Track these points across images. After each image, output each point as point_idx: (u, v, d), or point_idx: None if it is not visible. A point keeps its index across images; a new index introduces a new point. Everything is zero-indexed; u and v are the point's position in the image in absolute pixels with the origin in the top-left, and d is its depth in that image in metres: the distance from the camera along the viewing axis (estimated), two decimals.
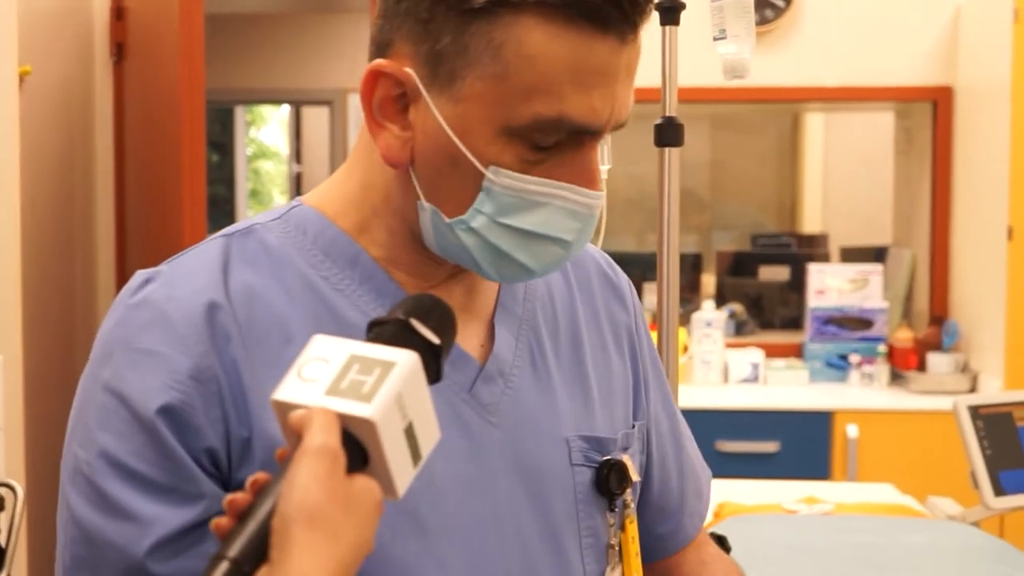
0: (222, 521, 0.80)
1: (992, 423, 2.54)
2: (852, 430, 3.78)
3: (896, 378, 4.16)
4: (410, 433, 0.83)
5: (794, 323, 4.82)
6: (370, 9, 5.50)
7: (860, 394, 4.04)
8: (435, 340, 0.88)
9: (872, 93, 4.28)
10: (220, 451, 0.94)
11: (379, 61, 0.97)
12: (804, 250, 5.48)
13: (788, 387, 4.12)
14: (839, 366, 4.20)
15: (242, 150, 9.83)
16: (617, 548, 1.12)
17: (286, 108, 10.59)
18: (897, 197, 4.81)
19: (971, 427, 2.51)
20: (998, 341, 3.80)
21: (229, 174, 9.62)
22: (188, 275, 0.99)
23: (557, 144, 0.95)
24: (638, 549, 1.14)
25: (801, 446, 3.83)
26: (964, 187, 4.15)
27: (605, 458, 1.09)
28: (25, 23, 3.21)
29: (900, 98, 4.35)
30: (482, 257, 0.98)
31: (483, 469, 1.02)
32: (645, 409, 1.19)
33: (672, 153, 1.66)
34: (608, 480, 1.09)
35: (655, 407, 1.21)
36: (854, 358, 4.16)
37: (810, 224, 6.27)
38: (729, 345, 4.26)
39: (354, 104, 8.04)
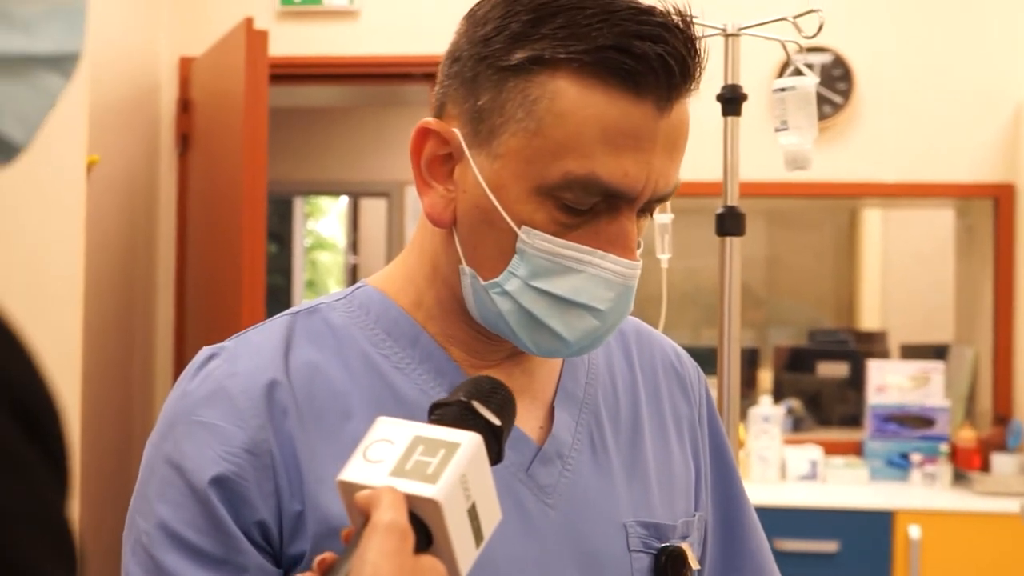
0: None
1: None
2: (914, 530, 3.69)
3: (959, 478, 4.07)
4: (473, 514, 0.84)
5: (853, 420, 4.74)
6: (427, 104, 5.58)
7: (922, 494, 3.95)
8: (496, 422, 0.88)
9: (932, 190, 4.26)
10: (272, 525, 0.95)
11: (427, 119, 1.00)
12: (862, 347, 5.42)
13: (847, 485, 4.05)
14: (900, 465, 4.12)
15: (300, 241, 9.95)
16: None
17: (344, 200, 10.73)
18: (958, 294, 4.75)
19: None
20: None
21: (287, 264, 9.73)
22: (250, 352, 1.01)
23: (593, 210, 0.95)
24: None
25: (861, 546, 3.75)
26: None
27: (663, 545, 1.08)
28: (95, 113, 3.28)
29: (960, 195, 4.33)
30: (517, 324, 0.98)
31: (540, 551, 1.01)
32: (705, 502, 1.18)
33: (733, 243, 1.66)
34: (667, 567, 1.07)
35: (706, 498, 1.19)
36: (915, 457, 4.08)
37: (868, 320, 6.22)
38: (787, 441, 4.20)
39: (411, 196, 8.14)
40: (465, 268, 1.00)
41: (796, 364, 5.14)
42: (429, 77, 4.33)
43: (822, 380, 4.98)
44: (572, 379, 1.10)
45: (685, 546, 1.09)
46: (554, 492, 1.04)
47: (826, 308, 6.35)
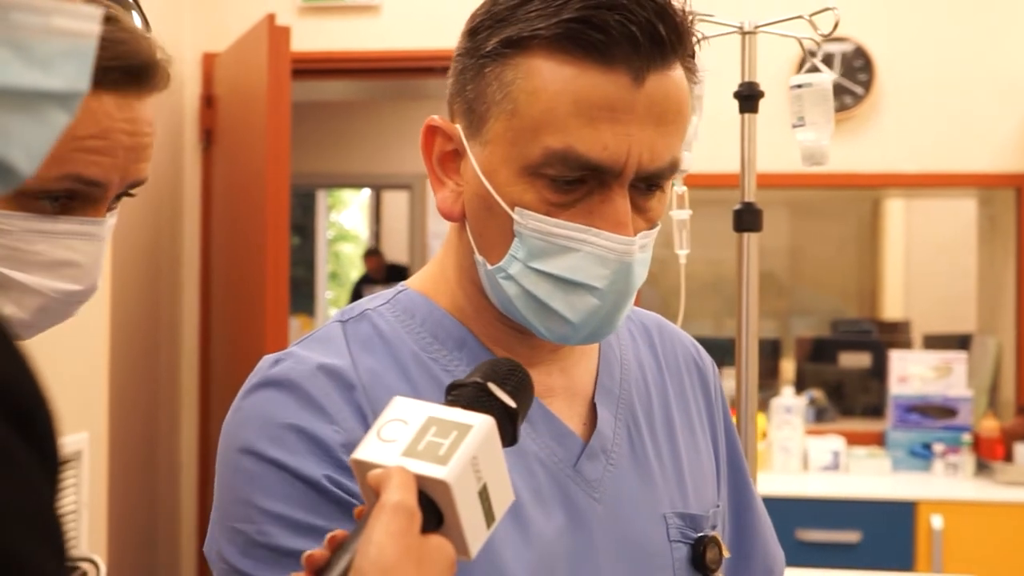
0: None
1: None
2: (937, 521, 3.69)
3: (982, 468, 4.07)
4: (484, 495, 0.85)
5: (875, 410, 4.75)
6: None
7: (944, 484, 3.95)
8: (511, 404, 0.89)
9: (953, 179, 4.25)
10: None
11: (432, 117, 1.03)
12: (885, 337, 5.41)
13: (870, 476, 4.05)
14: (922, 455, 4.12)
15: (323, 233, 10.00)
16: None
17: (366, 192, 10.77)
18: (981, 284, 4.74)
19: None
20: None
21: (310, 256, 9.78)
22: (321, 356, 1.02)
23: (582, 188, 0.96)
24: None
25: (884, 536, 3.75)
26: None
27: (699, 534, 1.11)
28: None
29: (982, 184, 4.32)
30: (525, 308, 1.00)
31: (588, 544, 1.04)
32: (724, 493, 1.21)
33: (751, 238, 1.67)
34: (705, 556, 1.10)
35: (723, 489, 1.22)
36: (938, 447, 4.08)
37: (891, 310, 6.21)
38: (809, 432, 4.20)
39: None
40: (478, 258, 1.02)
41: (818, 354, 5.14)
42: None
43: (844, 370, 4.98)
44: (608, 376, 1.13)
45: (718, 535, 1.12)
46: (600, 486, 1.06)
47: (849, 298, 6.34)
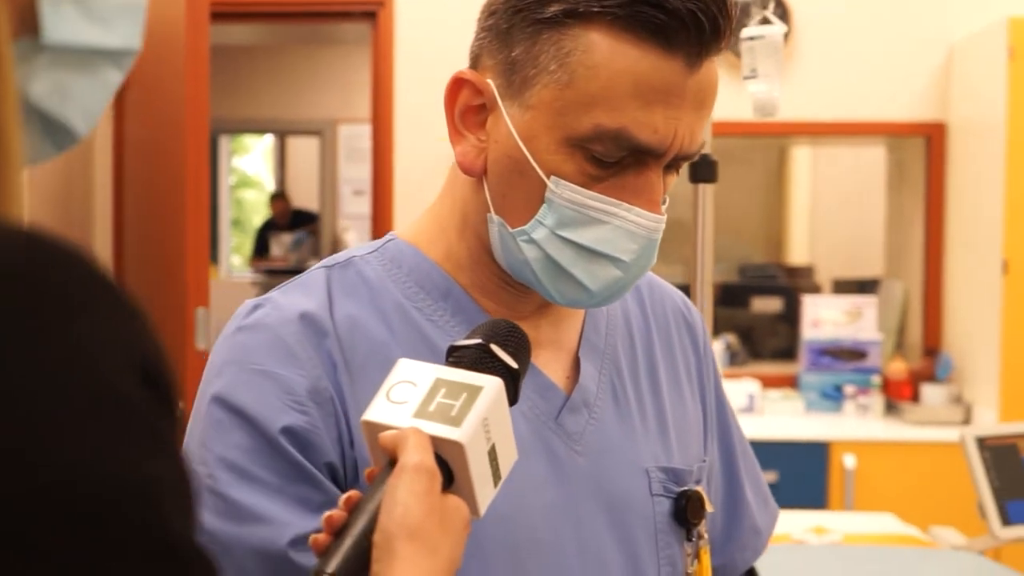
0: (319, 537, 0.83)
1: (998, 455, 2.58)
2: (849, 460, 3.81)
3: (890, 409, 4.21)
4: (492, 455, 0.87)
5: (785, 354, 4.86)
6: (363, 42, 5.59)
7: (856, 425, 4.08)
8: (513, 365, 0.92)
9: (866, 128, 4.35)
10: (339, 467, 0.98)
11: (462, 70, 1.03)
12: (791, 281, 5.53)
13: (784, 417, 4.16)
14: (834, 397, 4.24)
15: (225, 179, 9.84)
16: None
17: (269, 137, 10.60)
18: (889, 230, 4.87)
19: (978, 459, 2.55)
20: (992, 373, 3.85)
21: (212, 202, 9.62)
22: (299, 302, 1.02)
23: (620, 163, 0.98)
24: None
25: (799, 476, 3.86)
26: (957, 221, 4.22)
27: (682, 489, 1.12)
28: None
29: (894, 133, 4.42)
30: (542, 271, 1.01)
31: (568, 497, 1.05)
32: (712, 448, 1.22)
33: (706, 189, 1.70)
34: (686, 510, 1.12)
35: (712, 444, 1.24)
36: (849, 389, 4.21)
37: (797, 256, 6.33)
38: (724, 376, 4.28)
39: (344, 135, 8.08)
40: (493, 216, 1.02)
41: (729, 299, 5.23)
42: (367, 15, 4.30)
43: (756, 315, 5.08)
44: (594, 330, 1.14)
45: (701, 490, 1.13)
46: (581, 439, 1.07)
47: (756, 244, 6.45)
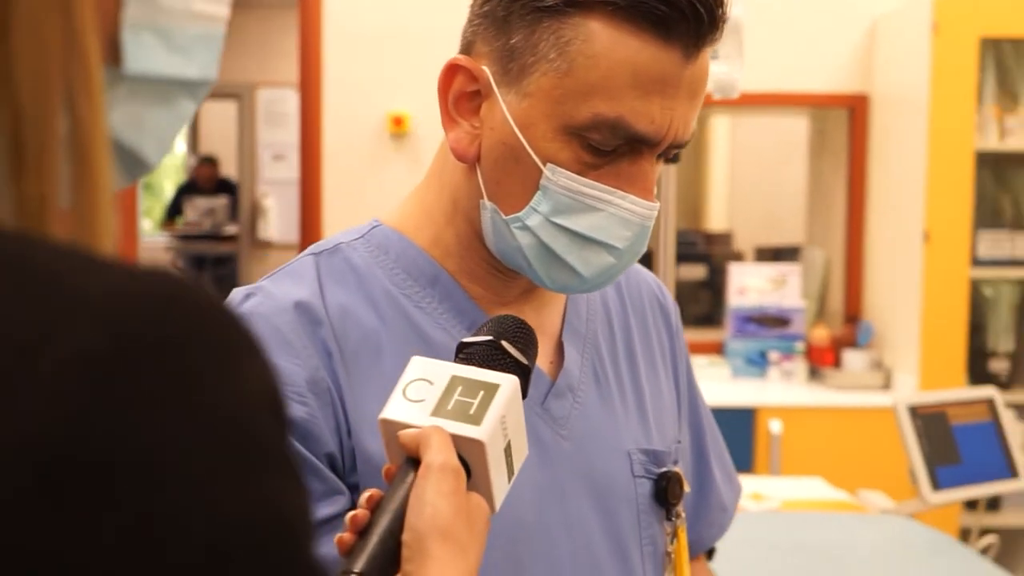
0: (344, 536, 0.83)
1: (928, 422, 2.67)
2: (775, 426, 3.90)
3: (814, 375, 4.31)
4: (508, 451, 0.89)
5: (708, 320, 4.93)
6: (282, 6, 5.49)
7: (780, 390, 4.17)
8: (525, 361, 0.93)
9: (789, 99, 4.41)
10: (337, 457, 0.98)
11: (457, 56, 1.03)
12: (711, 248, 5.61)
13: (712, 383, 4.23)
14: (759, 363, 4.33)
15: None
16: (672, 556, 1.17)
17: None
18: (811, 198, 4.96)
19: (910, 426, 2.62)
20: (912, 340, 3.96)
21: None
22: (291, 291, 1.02)
23: (615, 152, 0.99)
24: (687, 556, 1.19)
25: (726, 441, 3.93)
26: (878, 191, 4.31)
27: (662, 470, 1.15)
28: None
29: (817, 104, 4.50)
30: (535, 258, 1.02)
31: (555, 481, 1.07)
32: (684, 429, 1.25)
33: (669, 169, 1.72)
34: (667, 491, 1.14)
35: (683, 424, 1.26)
36: (773, 355, 4.29)
37: (715, 222, 6.42)
38: None
39: (263, 99, 7.97)
40: (486, 203, 1.03)
41: (651, 266, 5.28)
42: None
43: (680, 282, 5.14)
44: (575, 315, 1.15)
45: (679, 470, 1.16)
46: (567, 424, 1.09)
47: (676, 210, 6.51)
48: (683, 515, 1.18)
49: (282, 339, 0.98)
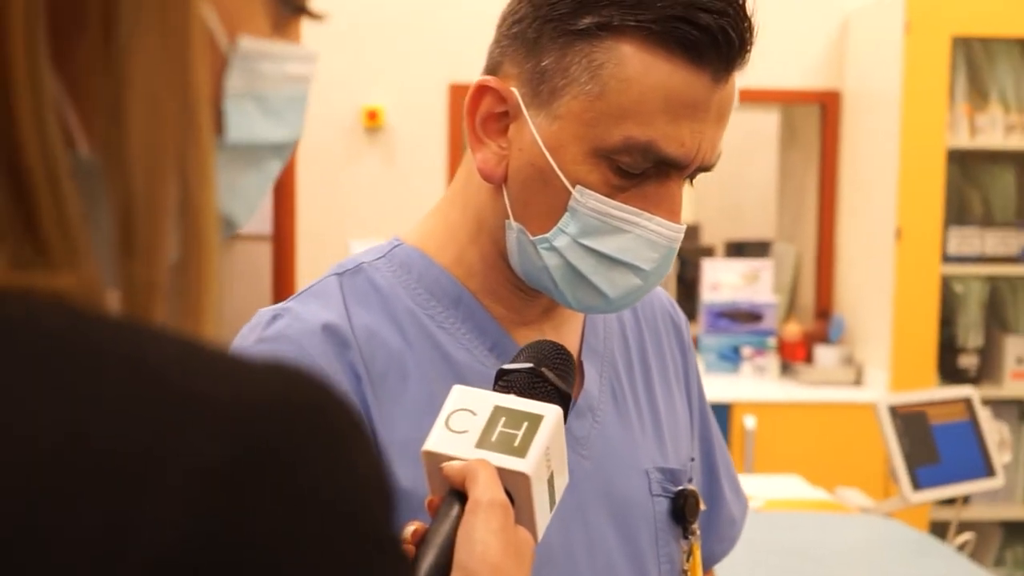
0: None
1: (908, 422, 2.69)
2: (749, 421, 3.93)
3: (786, 370, 4.34)
4: (551, 482, 0.89)
5: None
6: None
7: (753, 385, 4.20)
8: (565, 388, 0.92)
9: (761, 95, 4.43)
10: None
11: (486, 77, 1.03)
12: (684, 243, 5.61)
13: None
14: (731, 359, 4.35)
15: None
16: (687, 573, 1.18)
17: None
18: (782, 193, 4.98)
19: (891, 426, 2.65)
20: (883, 335, 4.00)
21: None
22: (318, 313, 1.01)
23: (643, 174, 0.99)
24: (701, 573, 1.20)
25: None
26: (850, 188, 4.35)
27: (679, 488, 1.15)
28: None
29: (789, 101, 4.52)
30: (561, 279, 1.02)
31: (576, 501, 1.07)
32: (695, 444, 1.25)
33: None
34: (684, 509, 1.15)
35: (695, 440, 1.27)
36: (746, 351, 4.32)
37: (683, 216, 6.41)
38: None
39: None
40: (512, 223, 1.03)
41: None
42: None
43: None
44: (593, 334, 1.15)
45: (695, 489, 1.17)
46: (587, 443, 1.09)
47: None
48: (698, 532, 1.19)
49: (311, 363, 0.98)
